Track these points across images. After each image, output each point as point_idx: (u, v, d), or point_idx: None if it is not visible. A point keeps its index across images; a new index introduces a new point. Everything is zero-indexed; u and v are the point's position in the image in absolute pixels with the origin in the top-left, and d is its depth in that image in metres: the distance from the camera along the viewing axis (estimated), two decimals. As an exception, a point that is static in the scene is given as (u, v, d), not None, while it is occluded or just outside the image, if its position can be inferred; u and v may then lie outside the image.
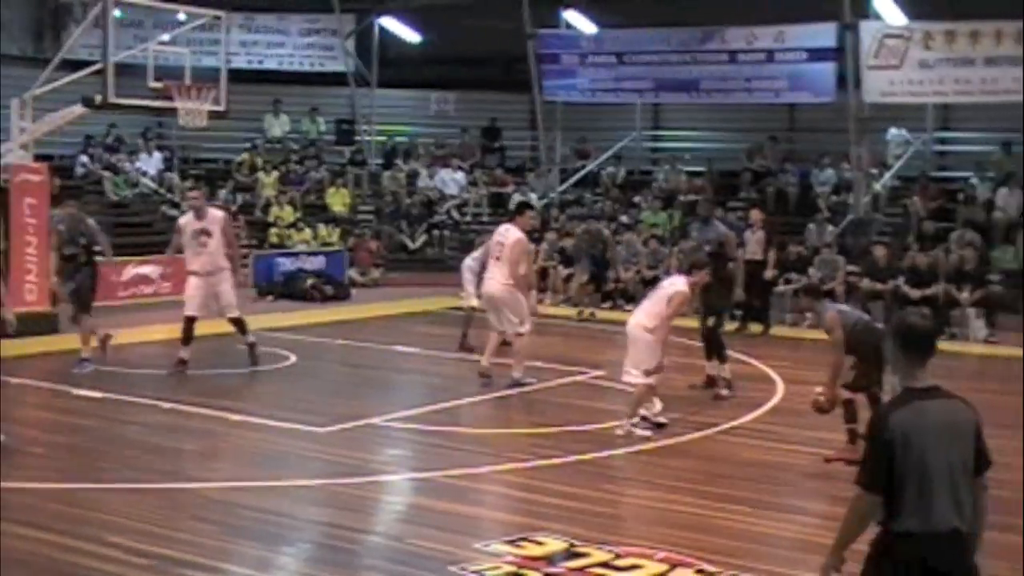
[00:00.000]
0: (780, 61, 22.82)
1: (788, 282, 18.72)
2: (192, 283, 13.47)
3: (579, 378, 13.53)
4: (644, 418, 10.90)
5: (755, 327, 18.00)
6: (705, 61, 23.63)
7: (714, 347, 12.84)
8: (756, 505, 8.70)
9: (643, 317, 10.95)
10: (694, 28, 23.81)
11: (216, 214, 13.74)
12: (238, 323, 13.81)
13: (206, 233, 13.32)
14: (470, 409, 12.14)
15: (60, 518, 7.95)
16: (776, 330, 18.21)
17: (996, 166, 22.45)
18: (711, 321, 12.88)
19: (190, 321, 13.28)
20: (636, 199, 24.30)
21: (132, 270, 18.83)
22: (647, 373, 10.68)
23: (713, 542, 7.71)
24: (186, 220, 13.60)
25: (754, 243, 18.26)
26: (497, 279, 12.70)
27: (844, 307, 11.19)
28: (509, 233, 12.80)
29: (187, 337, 13.23)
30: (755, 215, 18.92)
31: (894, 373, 4.64)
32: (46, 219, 16.12)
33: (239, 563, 7.26)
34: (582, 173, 26.17)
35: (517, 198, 21.24)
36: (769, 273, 18.15)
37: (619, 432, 10.65)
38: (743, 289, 14.42)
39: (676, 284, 11.19)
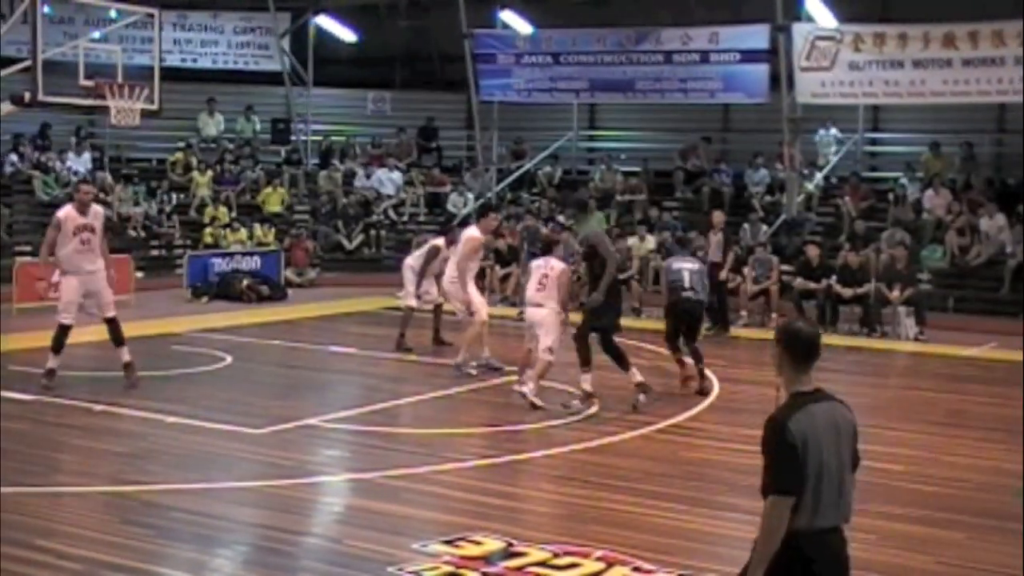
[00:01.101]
0: (714, 62, 23.05)
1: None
2: (71, 285, 12.30)
3: (516, 377, 13.53)
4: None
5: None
6: (640, 62, 23.80)
7: (613, 356, 12.12)
8: (692, 503, 8.78)
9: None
10: (629, 29, 23.96)
11: (98, 210, 12.88)
12: (115, 325, 12.54)
13: (90, 229, 12.37)
14: (407, 409, 12.13)
15: (-11, 523, 7.81)
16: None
17: (925, 166, 22.86)
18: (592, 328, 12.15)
19: (67, 330, 12.34)
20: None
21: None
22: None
23: (649, 540, 7.76)
24: (67, 215, 12.34)
25: (714, 245, 18.37)
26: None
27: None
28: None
29: (60, 346, 12.27)
30: (716, 217, 18.97)
31: (780, 376, 4.70)
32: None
33: (173, 566, 7.18)
34: (519, 173, 26.22)
35: (447, 200, 21.17)
36: (723, 274, 18.19)
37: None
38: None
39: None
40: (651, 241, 21.39)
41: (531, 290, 12.15)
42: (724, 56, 22.91)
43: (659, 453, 10.39)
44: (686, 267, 13.38)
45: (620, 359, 12.09)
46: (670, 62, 23.48)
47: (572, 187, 25.24)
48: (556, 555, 7.32)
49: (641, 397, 12.10)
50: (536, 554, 7.34)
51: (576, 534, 7.86)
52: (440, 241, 15.34)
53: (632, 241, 21.10)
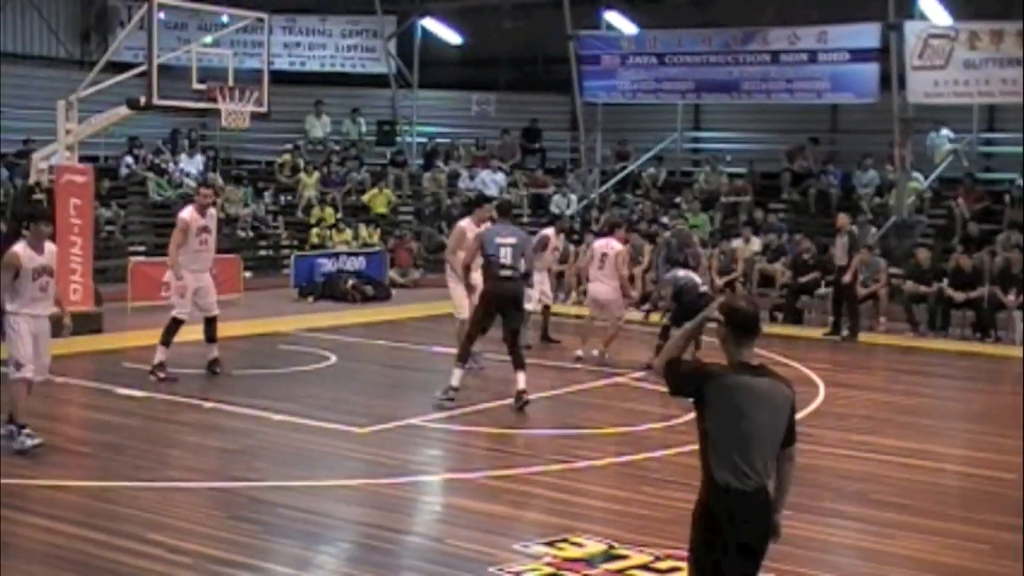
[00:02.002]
0: (823, 62, 22.71)
1: (829, 285, 18.55)
2: (186, 282, 12.79)
3: (620, 380, 13.52)
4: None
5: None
6: (747, 62, 23.56)
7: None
8: (796, 508, 8.60)
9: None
10: (736, 29, 23.73)
11: (213, 212, 13.41)
12: (214, 324, 13.11)
13: (207, 230, 12.99)
14: (509, 410, 12.13)
15: (103, 516, 8.02)
16: (815, 332, 18.08)
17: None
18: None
19: (179, 324, 12.79)
20: (676, 200, 24.22)
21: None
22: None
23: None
24: (191, 216, 12.93)
25: (840, 248, 17.93)
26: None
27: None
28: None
29: (170, 340, 12.74)
30: (842, 219, 18.33)
31: (723, 350, 5.10)
32: (91, 219, 16.31)
33: (279, 562, 7.29)
34: (622, 175, 26.11)
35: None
36: (847, 277, 17.70)
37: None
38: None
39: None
40: (756, 243, 21.15)
41: (593, 268, 14.56)
42: (833, 56, 22.57)
43: (763, 458, 10.23)
44: (507, 242, 11.78)
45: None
46: (777, 62, 23.21)
47: (676, 188, 25.10)
48: (657, 559, 7.27)
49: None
50: (637, 557, 7.30)
51: (678, 538, 7.74)
52: (550, 231, 16.05)
53: (737, 243, 20.89)
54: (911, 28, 21.36)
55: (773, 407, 5.08)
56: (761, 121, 25.84)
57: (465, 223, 13.56)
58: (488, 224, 12.77)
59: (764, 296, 20.19)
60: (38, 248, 9.70)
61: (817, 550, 7.86)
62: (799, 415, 12.29)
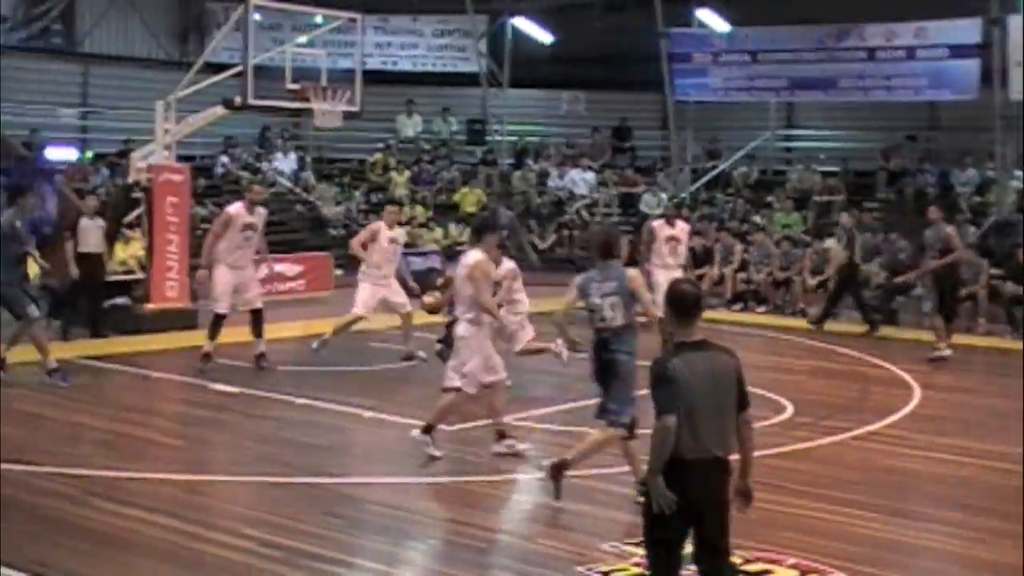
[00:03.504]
0: (921, 58, 22.28)
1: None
2: (224, 277, 13.04)
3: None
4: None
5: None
6: (842, 59, 23.23)
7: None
8: (889, 512, 8.50)
9: None
10: (831, 25, 23.39)
11: (262, 211, 13.56)
12: (259, 318, 13.37)
13: (253, 228, 13.14)
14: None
15: (197, 509, 8.17)
16: (913, 334, 17.73)
17: None
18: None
19: (222, 319, 13.06)
20: (768, 199, 23.95)
21: (267, 268, 19.15)
22: None
23: (844, 549, 7.55)
24: (237, 212, 13.14)
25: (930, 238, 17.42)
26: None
27: None
28: None
29: (216, 333, 13.03)
30: (933, 212, 17.58)
31: (670, 330, 5.57)
32: (187, 217, 16.60)
33: (369, 558, 7.35)
34: (714, 173, 25.89)
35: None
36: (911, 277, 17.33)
37: None
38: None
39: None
40: (850, 243, 20.79)
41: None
42: (932, 52, 22.13)
43: (854, 461, 10.09)
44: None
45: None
46: (873, 59, 22.84)
47: (768, 187, 24.82)
48: (748, 560, 7.19)
49: None
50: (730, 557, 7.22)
51: (769, 540, 7.70)
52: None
53: (830, 243, 20.58)
54: (1014, 23, 20.84)
55: (714, 377, 5.39)
56: (856, 119, 25.43)
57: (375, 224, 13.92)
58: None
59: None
60: None
61: (907, 554, 7.73)
62: (894, 417, 12.10)
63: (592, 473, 9.26)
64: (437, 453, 9.62)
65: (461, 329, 9.66)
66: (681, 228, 16.98)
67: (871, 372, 13.05)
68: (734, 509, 5.55)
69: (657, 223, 17.20)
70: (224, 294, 13.06)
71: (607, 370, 8.32)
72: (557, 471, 8.35)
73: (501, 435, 9.80)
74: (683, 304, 5.51)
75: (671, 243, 16.58)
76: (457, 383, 9.81)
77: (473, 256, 9.63)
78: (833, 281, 18.35)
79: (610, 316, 8.31)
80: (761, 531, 8.09)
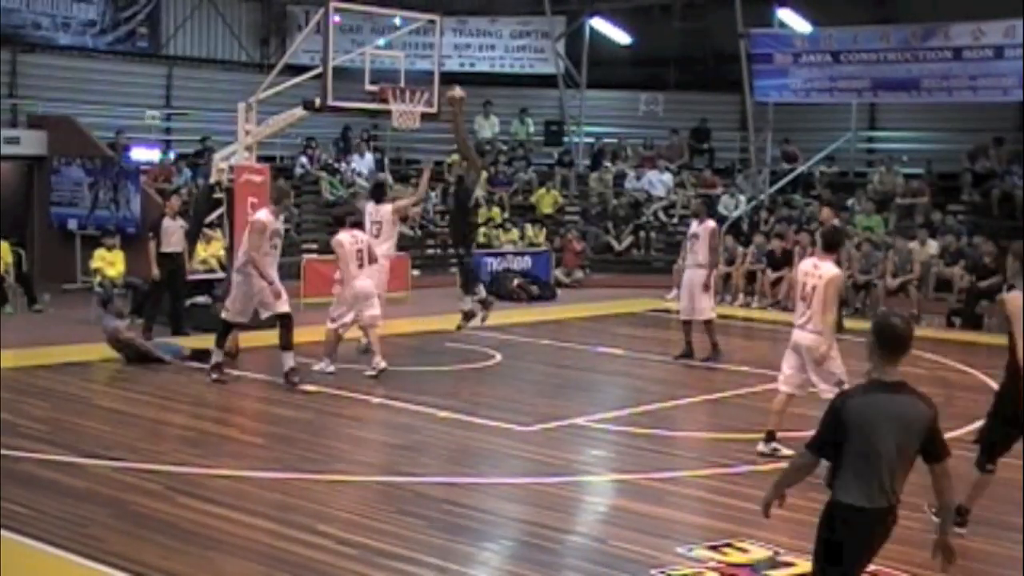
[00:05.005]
0: (1010, 57, 21.80)
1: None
2: (255, 285, 12.46)
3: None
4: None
5: None
6: (927, 59, 22.81)
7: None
8: (975, 522, 8.31)
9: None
10: (915, 25, 23.01)
11: (283, 217, 13.24)
12: (288, 326, 12.60)
13: (279, 235, 12.76)
14: (673, 412, 12.04)
15: (275, 506, 8.26)
16: (998, 339, 17.36)
17: None
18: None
19: (239, 328, 12.92)
20: (849, 201, 23.62)
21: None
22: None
23: (925, 557, 7.38)
24: (268, 219, 12.58)
25: None
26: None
27: None
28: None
29: (225, 340, 12.78)
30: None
31: (870, 362, 5.09)
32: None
33: (442, 557, 7.36)
34: (794, 175, 25.60)
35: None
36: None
37: None
38: None
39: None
40: (933, 246, 20.46)
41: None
42: (1021, 51, 21.65)
43: (938, 468, 9.87)
44: None
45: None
46: (960, 59, 22.39)
47: (848, 189, 24.47)
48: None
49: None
50: (804, 565, 7.11)
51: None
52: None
53: (913, 245, 20.28)
54: (1106, 21, 20.35)
55: (904, 426, 4.97)
56: (941, 120, 24.98)
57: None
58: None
59: (941, 300, 19.55)
60: None
61: (997, 565, 7.56)
62: (978, 423, 11.80)
63: (666, 476, 9.21)
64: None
65: None
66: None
67: (955, 377, 12.83)
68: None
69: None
70: (247, 307, 12.64)
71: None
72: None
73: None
74: (891, 340, 5.01)
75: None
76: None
77: None
78: None
79: None
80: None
